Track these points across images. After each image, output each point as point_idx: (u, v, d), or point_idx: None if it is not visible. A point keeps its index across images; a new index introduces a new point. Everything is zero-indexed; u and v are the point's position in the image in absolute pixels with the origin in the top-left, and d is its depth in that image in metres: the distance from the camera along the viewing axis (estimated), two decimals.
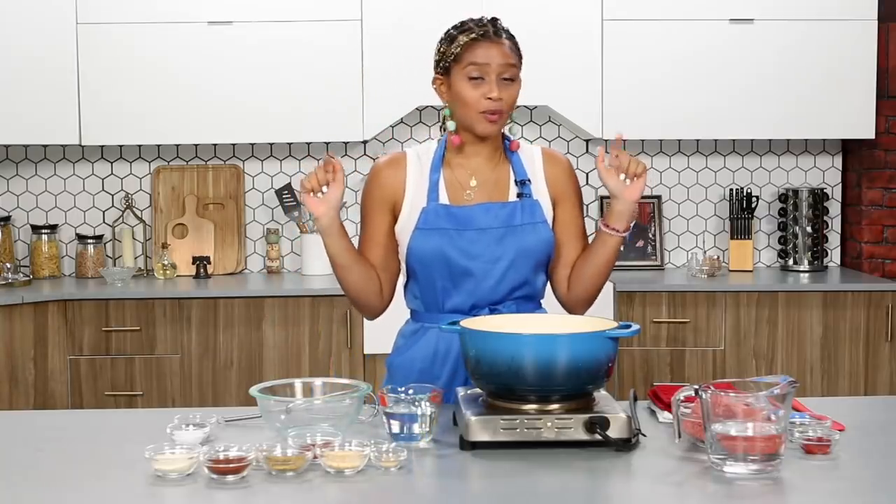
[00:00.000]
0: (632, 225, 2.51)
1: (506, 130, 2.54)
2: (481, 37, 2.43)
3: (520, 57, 2.49)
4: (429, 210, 2.46)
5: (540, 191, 2.52)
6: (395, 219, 2.50)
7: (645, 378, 4.34)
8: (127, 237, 4.79)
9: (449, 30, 2.49)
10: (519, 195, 2.50)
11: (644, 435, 2.10)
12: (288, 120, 4.52)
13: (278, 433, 2.08)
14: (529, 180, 2.52)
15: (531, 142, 4.92)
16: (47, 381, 4.28)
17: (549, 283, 2.58)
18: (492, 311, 2.46)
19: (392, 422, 2.08)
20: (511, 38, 2.48)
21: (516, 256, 2.46)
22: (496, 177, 2.52)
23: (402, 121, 4.81)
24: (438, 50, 2.50)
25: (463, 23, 2.49)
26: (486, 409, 2.09)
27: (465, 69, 2.43)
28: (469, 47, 2.43)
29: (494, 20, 2.49)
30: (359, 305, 2.54)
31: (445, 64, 2.48)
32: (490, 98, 2.42)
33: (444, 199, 2.49)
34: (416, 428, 2.07)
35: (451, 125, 2.50)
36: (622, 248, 2.61)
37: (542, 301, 2.58)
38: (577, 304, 2.55)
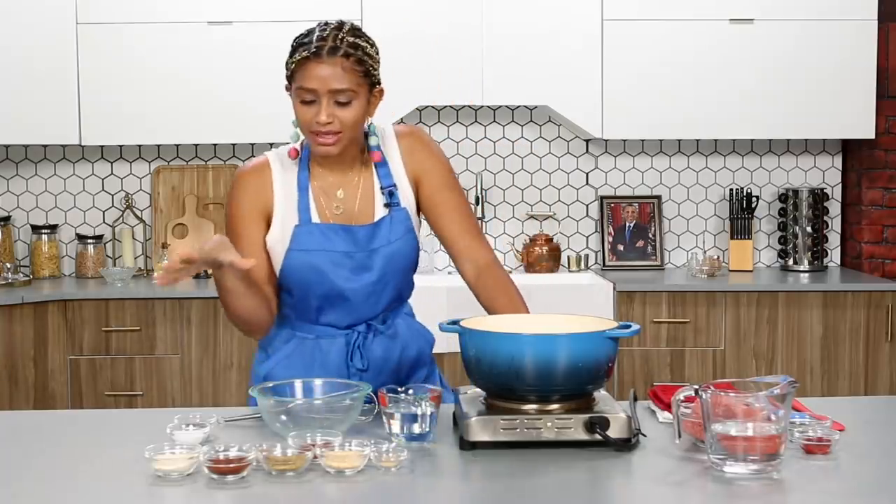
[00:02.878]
0: None
1: (367, 140, 2.45)
2: (313, 55, 2.27)
3: (367, 72, 2.33)
4: (302, 230, 2.39)
5: (401, 183, 2.45)
6: (267, 228, 2.42)
7: (645, 378, 4.34)
8: (127, 237, 4.79)
9: (297, 36, 2.34)
10: (386, 205, 2.43)
11: (644, 435, 2.10)
12: (288, 120, 4.50)
13: (278, 433, 2.08)
14: (395, 185, 2.45)
15: (531, 141, 4.92)
16: (47, 381, 4.28)
17: (453, 262, 2.54)
18: (369, 327, 2.43)
19: (392, 422, 2.08)
20: (352, 53, 2.29)
21: (391, 274, 2.42)
22: (362, 185, 2.44)
23: (402, 121, 4.81)
24: (286, 59, 2.36)
25: (309, 31, 2.32)
26: (486, 409, 2.09)
27: (297, 91, 2.32)
28: (300, 67, 2.29)
29: (338, 31, 2.31)
30: (250, 328, 2.43)
31: (287, 76, 2.36)
32: (318, 122, 2.31)
33: (314, 215, 2.40)
34: (416, 428, 2.07)
35: (293, 136, 2.43)
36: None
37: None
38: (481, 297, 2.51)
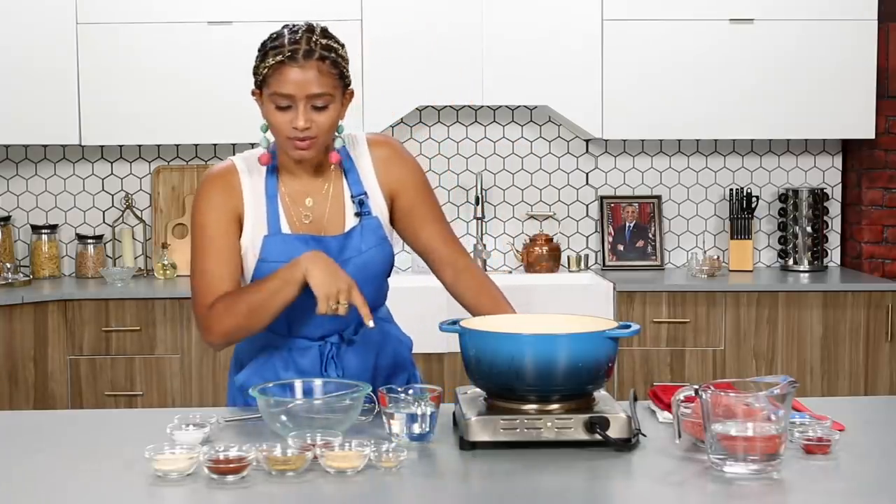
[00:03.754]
0: None
1: (336, 140, 2.38)
2: (288, 58, 2.22)
3: (342, 75, 2.28)
4: (271, 241, 2.34)
5: (373, 193, 2.42)
6: (240, 231, 2.36)
7: (645, 378, 4.34)
8: (127, 237, 4.79)
9: (265, 40, 2.30)
10: (357, 214, 2.39)
11: (644, 435, 2.10)
12: None
13: (278, 433, 2.08)
14: (366, 194, 2.41)
15: (531, 141, 4.92)
16: (47, 381, 4.28)
17: (430, 270, 2.54)
18: (342, 339, 2.41)
19: (392, 422, 2.08)
20: (327, 55, 2.25)
21: (362, 284, 2.34)
22: (332, 193, 2.39)
23: (402, 121, 4.81)
24: (255, 63, 2.32)
25: (279, 34, 2.28)
26: (486, 409, 2.09)
27: (272, 96, 2.26)
28: (275, 72, 2.24)
29: (311, 33, 2.26)
30: (234, 341, 2.39)
31: (258, 81, 2.32)
32: (295, 127, 2.25)
33: (284, 225, 2.36)
34: (416, 428, 2.07)
35: (262, 142, 2.37)
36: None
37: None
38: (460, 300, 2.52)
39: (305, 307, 2.30)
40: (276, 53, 2.25)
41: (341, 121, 2.36)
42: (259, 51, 2.31)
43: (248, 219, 2.36)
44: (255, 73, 2.32)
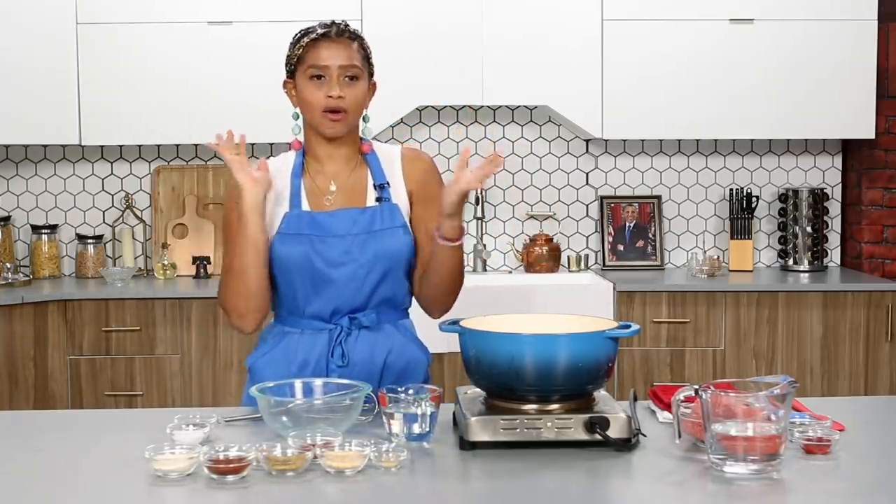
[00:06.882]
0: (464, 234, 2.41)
1: (361, 132, 2.53)
2: (322, 37, 2.43)
3: (367, 59, 2.49)
4: (291, 216, 2.45)
5: (398, 192, 2.50)
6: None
7: (645, 378, 4.34)
8: (127, 237, 4.79)
9: (296, 33, 2.49)
10: (378, 199, 2.48)
11: (644, 435, 2.10)
12: (288, 120, 4.50)
13: (278, 433, 2.08)
14: (388, 183, 2.50)
15: (531, 141, 4.92)
16: (47, 381, 4.28)
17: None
18: (351, 321, 2.46)
19: (392, 422, 2.08)
20: (356, 39, 2.47)
21: (376, 261, 2.44)
22: (354, 181, 2.50)
23: (402, 121, 4.81)
24: (287, 54, 2.50)
25: (309, 26, 2.49)
26: (486, 409, 2.09)
27: (307, 70, 2.43)
28: (310, 48, 2.43)
29: (341, 23, 2.48)
30: (248, 310, 2.43)
31: (291, 67, 2.48)
32: (330, 96, 2.41)
33: (305, 206, 2.47)
34: (416, 428, 2.07)
35: (295, 129, 2.54)
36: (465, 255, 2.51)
37: (408, 309, 2.57)
38: (427, 306, 2.53)
39: (316, 279, 2.42)
40: (311, 34, 2.45)
41: (366, 110, 2.51)
42: (291, 42, 2.49)
43: (269, 206, 2.46)
44: (289, 61, 2.49)
